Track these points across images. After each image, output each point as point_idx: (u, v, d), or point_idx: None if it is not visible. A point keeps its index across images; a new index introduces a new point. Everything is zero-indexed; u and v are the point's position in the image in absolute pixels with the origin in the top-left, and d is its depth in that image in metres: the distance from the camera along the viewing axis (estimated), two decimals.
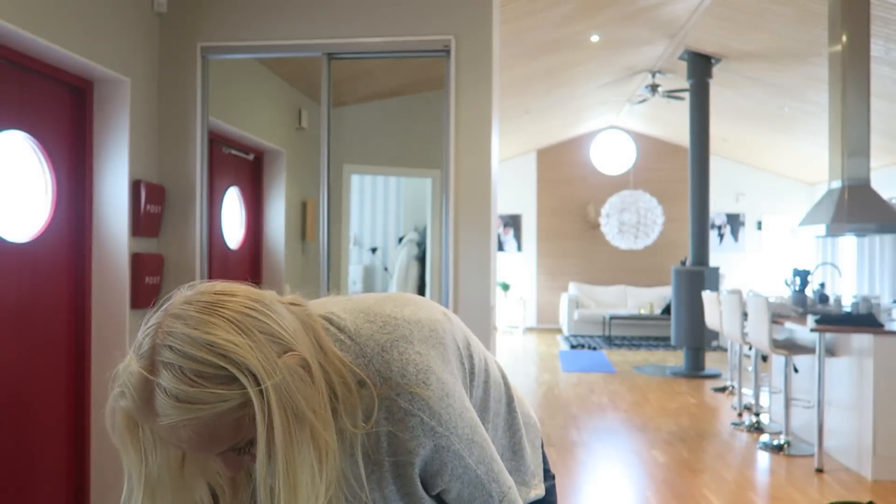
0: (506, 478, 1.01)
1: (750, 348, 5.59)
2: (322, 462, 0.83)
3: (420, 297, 1.10)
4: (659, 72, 8.83)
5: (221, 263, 3.80)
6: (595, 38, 7.17)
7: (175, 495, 0.88)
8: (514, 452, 1.17)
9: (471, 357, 1.07)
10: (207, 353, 0.77)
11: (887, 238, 9.19)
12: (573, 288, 12.03)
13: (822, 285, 5.96)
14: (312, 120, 3.38)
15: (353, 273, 3.91)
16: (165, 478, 0.86)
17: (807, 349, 4.65)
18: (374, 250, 3.98)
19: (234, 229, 3.96)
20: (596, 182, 12.36)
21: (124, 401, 0.80)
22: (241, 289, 0.85)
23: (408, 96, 3.65)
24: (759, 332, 4.81)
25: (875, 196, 5.01)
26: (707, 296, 6.65)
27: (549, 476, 1.26)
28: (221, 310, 0.80)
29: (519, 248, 12.60)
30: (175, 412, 0.76)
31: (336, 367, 0.87)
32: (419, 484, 0.96)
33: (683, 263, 8.28)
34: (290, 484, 0.80)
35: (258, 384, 0.77)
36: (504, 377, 1.20)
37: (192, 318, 0.79)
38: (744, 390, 6.07)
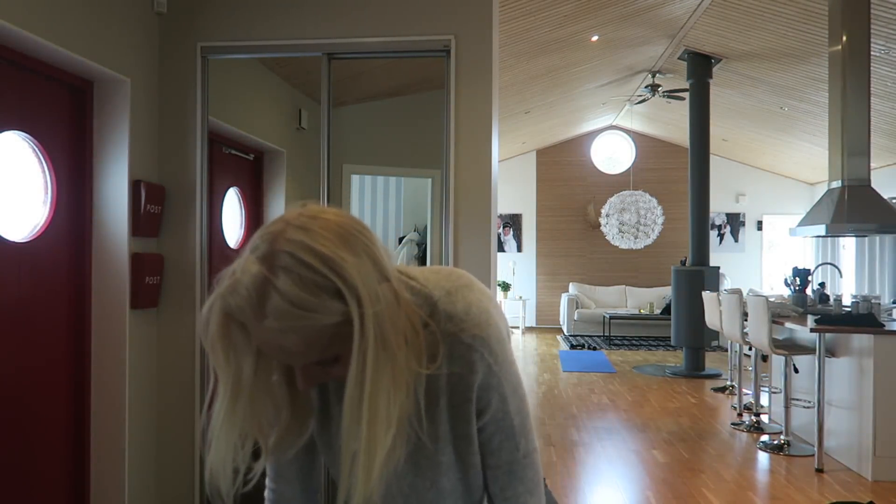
0: (533, 439, 1.05)
1: (750, 348, 5.59)
2: (398, 391, 0.87)
3: None
4: (659, 72, 8.83)
5: (221, 263, 3.79)
6: (595, 38, 7.17)
7: (253, 405, 0.91)
8: None
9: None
10: (323, 265, 0.81)
11: (887, 238, 9.18)
12: (573, 288, 12.03)
13: (822, 285, 5.96)
14: (312, 120, 3.38)
15: None
16: (248, 385, 0.88)
17: (807, 349, 4.65)
18: None
19: (234, 229, 3.96)
20: (596, 182, 12.36)
21: (234, 298, 0.81)
22: (349, 214, 0.90)
23: (408, 96, 3.65)
24: (759, 332, 4.81)
25: (875, 196, 5.01)
26: (707, 296, 6.65)
27: None
28: (339, 228, 0.85)
29: (519, 248, 12.60)
30: (285, 316, 0.79)
31: (409, 306, 0.92)
32: (474, 423, 1.00)
33: (683, 263, 8.28)
34: (373, 406, 0.85)
35: (360, 305, 0.82)
36: None
37: (312, 231, 0.83)
38: (744, 390, 6.07)
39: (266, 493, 1.15)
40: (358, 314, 0.82)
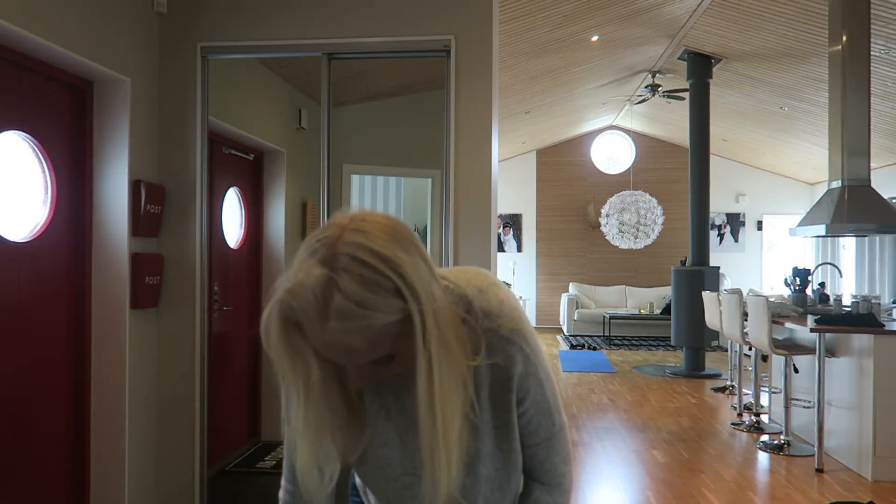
0: (562, 410, 1.13)
1: (750, 348, 5.60)
2: (458, 385, 0.92)
3: None
4: (659, 72, 8.83)
5: (221, 263, 3.80)
6: (595, 38, 7.17)
7: (323, 408, 0.95)
8: None
9: None
10: (383, 265, 0.84)
11: (887, 238, 9.18)
12: (573, 288, 12.03)
13: (822, 285, 5.96)
14: (312, 120, 3.38)
15: None
16: (316, 388, 0.92)
17: (807, 349, 4.65)
18: None
19: (234, 229, 3.96)
20: (596, 182, 12.36)
21: (298, 301, 0.83)
22: (395, 217, 0.94)
23: (408, 96, 3.65)
24: (759, 332, 4.81)
25: (875, 196, 5.01)
26: (707, 296, 6.65)
27: None
28: (391, 230, 0.88)
29: (519, 248, 12.60)
30: (349, 316, 0.82)
31: (450, 304, 0.96)
32: (515, 411, 1.06)
33: (683, 263, 8.28)
34: (444, 400, 0.90)
35: (419, 303, 0.85)
36: None
37: (369, 233, 0.86)
38: (744, 390, 6.07)
39: (280, 494, 1.16)
40: (418, 311, 0.85)
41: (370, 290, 0.82)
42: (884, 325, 4.19)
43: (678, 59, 8.10)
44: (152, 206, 3.12)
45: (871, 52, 5.35)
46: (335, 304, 0.82)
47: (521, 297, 12.03)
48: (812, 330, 4.29)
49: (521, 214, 12.58)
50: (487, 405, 1.05)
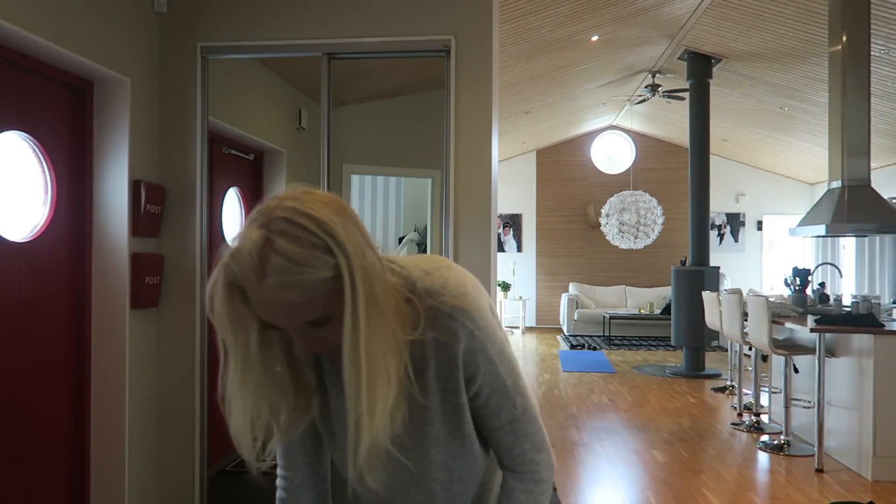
0: (529, 395, 1.11)
1: (750, 348, 5.60)
2: (391, 349, 0.95)
3: None
4: (659, 72, 8.83)
5: None
6: (595, 38, 7.17)
7: (261, 379, 0.98)
8: None
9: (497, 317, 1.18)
10: (315, 225, 0.89)
11: (887, 238, 9.18)
12: (573, 288, 12.03)
13: (822, 285, 5.96)
14: (312, 120, 3.38)
15: None
16: (255, 357, 0.96)
17: (807, 349, 4.65)
18: None
19: (234, 229, 3.95)
20: (596, 182, 12.36)
21: (238, 264, 0.89)
22: (338, 196, 1.00)
23: (408, 96, 3.65)
24: (759, 332, 4.81)
25: (875, 196, 5.01)
26: (707, 296, 6.65)
27: None
28: (329, 200, 0.94)
29: (519, 248, 12.60)
30: (284, 272, 0.87)
31: (392, 283, 1.00)
32: (464, 392, 1.06)
33: (683, 263, 8.28)
34: (370, 360, 0.92)
35: (348, 259, 0.90)
36: None
37: (304, 200, 0.92)
38: (744, 390, 6.07)
39: (278, 482, 1.19)
40: (347, 266, 0.90)
41: (303, 248, 0.88)
42: (884, 325, 4.19)
43: (678, 59, 8.10)
44: (152, 206, 3.12)
45: (871, 52, 5.35)
46: (271, 262, 0.87)
47: (520, 297, 12.03)
48: (812, 330, 4.29)
49: (521, 214, 12.58)
50: (435, 387, 1.05)
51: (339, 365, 1.05)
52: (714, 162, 11.08)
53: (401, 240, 3.97)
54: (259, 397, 0.99)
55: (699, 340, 7.81)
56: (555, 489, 1.30)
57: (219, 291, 0.91)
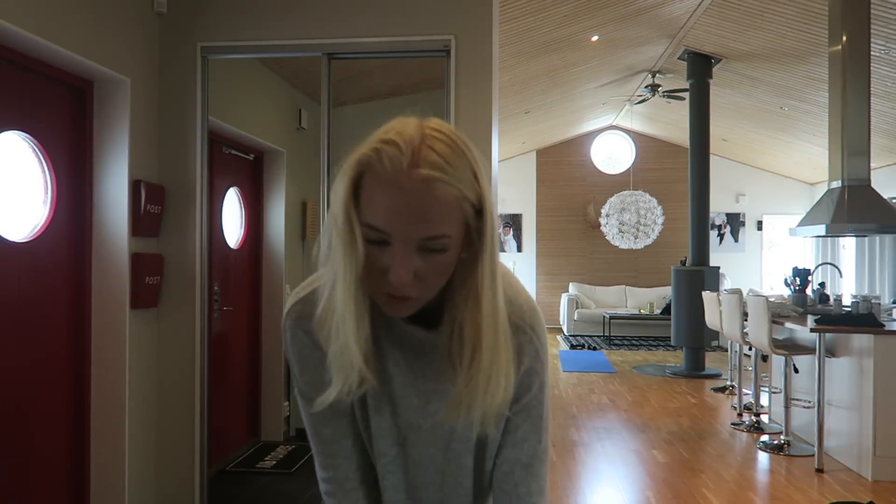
0: (549, 437, 1.06)
1: (750, 348, 5.59)
2: (504, 317, 0.91)
3: None
4: (659, 72, 8.83)
5: (221, 263, 3.80)
6: (595, 38, 7.17)
7: (364, 284, 0.89)
8: None
9: None
10: (465, 147, 0.88)
11: (887, 238, 9.18)
12: (573, 288, 12.03)
13: (822, 285, 5.96)
14: (312, 120, 3.38)
15: None
16: (360, 261, 0.87)
17: (807, 349, 4.65)
18: None
19: (234, 229, 3.96)
20: (596, 182, 12.36)
21: (391, 149, 0.85)
22: None
23: (408, 96, 3.65)
24: (759, 332, 4.81)
25: (875, 196, 5.01)
26: (707, 296, 6.65)
27: None
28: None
29: (519, 248, 12.60)
30: (437, 168, 0.84)
31: None
32: (506, 412, 1.01)
33: (683, 263, 8.28)
34: (495, 313, 0.89)
35: (488, 202, 0.88)
36: None
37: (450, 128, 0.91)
38: (744, 390, 6.07)
39: (322, 487, 1.08)
40: (488, 203, 0.87)
41: (458, 158, 0.86)
42: (884, 325, 4.19)
43: (678, 59, 8.10)
44: (152, 206, 3.12)
45: (871, 52, 5.35)
46: (425, 155, 0.84)
47: None
48: (812, 330, 4.29)
49: (521, 214, 12.58)
50: None
51: (406, 344, 0.98)
52: (714, 162, 11.07)
53: None
54: (361, 306, 0.89)
55: (699, 340, 7.81)
56: None
57: (347, 178, 0.86)
